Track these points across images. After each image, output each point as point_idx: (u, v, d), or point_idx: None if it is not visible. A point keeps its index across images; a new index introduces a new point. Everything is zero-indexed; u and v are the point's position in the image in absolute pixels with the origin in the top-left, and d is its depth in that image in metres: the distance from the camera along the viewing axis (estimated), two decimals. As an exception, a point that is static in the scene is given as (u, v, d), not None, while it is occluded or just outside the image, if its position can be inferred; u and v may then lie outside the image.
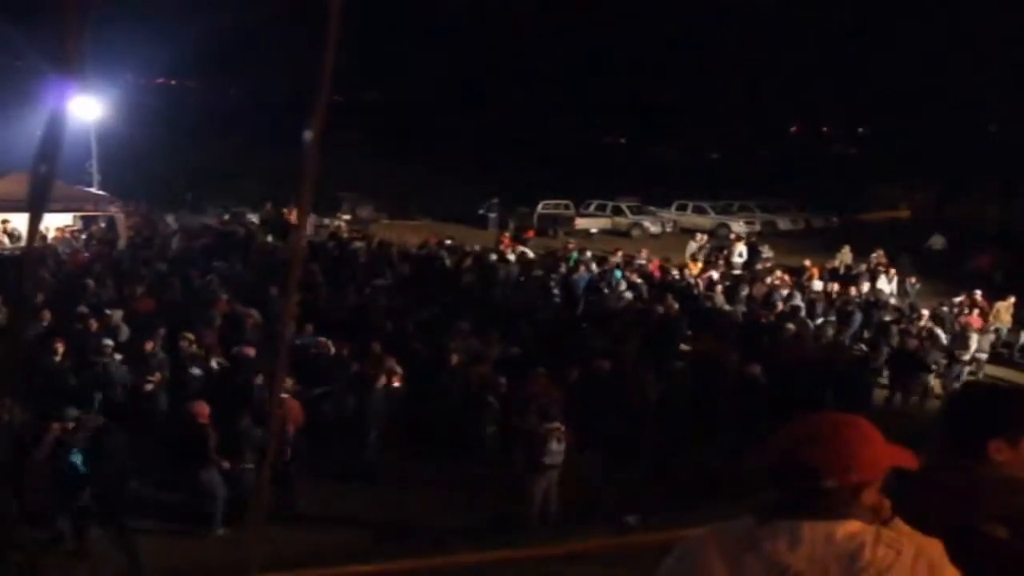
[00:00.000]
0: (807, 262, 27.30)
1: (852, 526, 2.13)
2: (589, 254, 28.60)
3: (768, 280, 25.36)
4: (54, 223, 26.82)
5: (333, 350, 15.41)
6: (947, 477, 2.61)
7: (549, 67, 66.06)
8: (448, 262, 26.03)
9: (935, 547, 2.13)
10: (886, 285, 26.02)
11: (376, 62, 57.05)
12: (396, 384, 14.43)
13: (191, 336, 15.48)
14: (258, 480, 11.70)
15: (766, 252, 31.56)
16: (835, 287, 24.85)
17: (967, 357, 19.99)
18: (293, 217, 33.20)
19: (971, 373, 19.90)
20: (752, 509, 2.23)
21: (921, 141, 60.97)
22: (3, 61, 45.62)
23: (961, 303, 23.20)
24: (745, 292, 23.96)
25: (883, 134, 71.34)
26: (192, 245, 27.22)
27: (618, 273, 25.28)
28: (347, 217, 38.50)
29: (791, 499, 2.19)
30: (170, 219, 33.78)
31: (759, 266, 29.19)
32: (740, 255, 30.46)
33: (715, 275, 26.17)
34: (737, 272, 28.04)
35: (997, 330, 22.59)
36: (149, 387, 14.04)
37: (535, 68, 65.69)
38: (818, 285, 24.84)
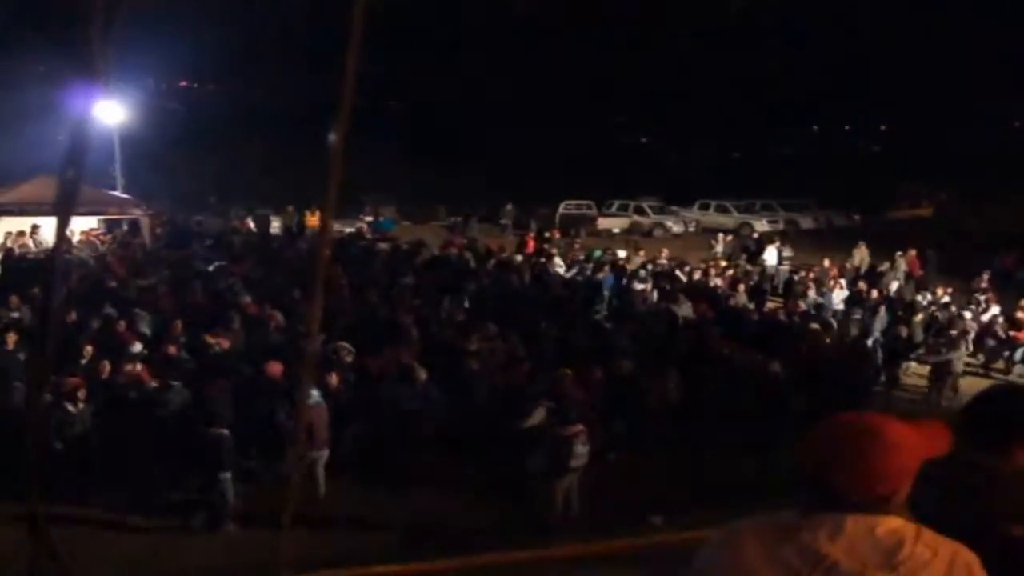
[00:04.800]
0: (827, 262, 27.16)
1: (894, 522, 2.15)
2: (624, 253, 28.63)
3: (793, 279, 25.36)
4: (79, 227, 27.02)
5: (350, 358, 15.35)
6: (966, 475, 2.59)
7: (569, 68, 65.97)
8: (472, 264, 26.06)
9: (970, 554, 2.13)
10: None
11: (397, 65, 57.08)
12: (420, 384, 14.46)
13: (213, 339, 15.60)
14: (289, 480, 11.75)
15: (787, 252, 31.46)
16: (863, 286, 24.69)
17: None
18: (314, 221, 33.42)
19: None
20: (794, 503, 2.23)
21: (945, 138, 60.57)
22: (28, 67, 46.01)
23: (987, 300, 23.10)
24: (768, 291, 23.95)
25: (906, 132, 70.91)
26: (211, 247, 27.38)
27: (643, 272, 25.29)
28: (369, 219, 38.64)
29: (832, 497, 2.19)
30: (194, 221, 34.11)
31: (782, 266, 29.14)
32: (769, 257, 30.18)
33: (727, 274, 26.10)
34: (771, 273, 27.83)
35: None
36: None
37: (555, 69, 65.61)
38: (842, 284, 24.68)
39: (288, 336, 16.25)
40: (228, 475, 12.02)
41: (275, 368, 13.87)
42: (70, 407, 12.49)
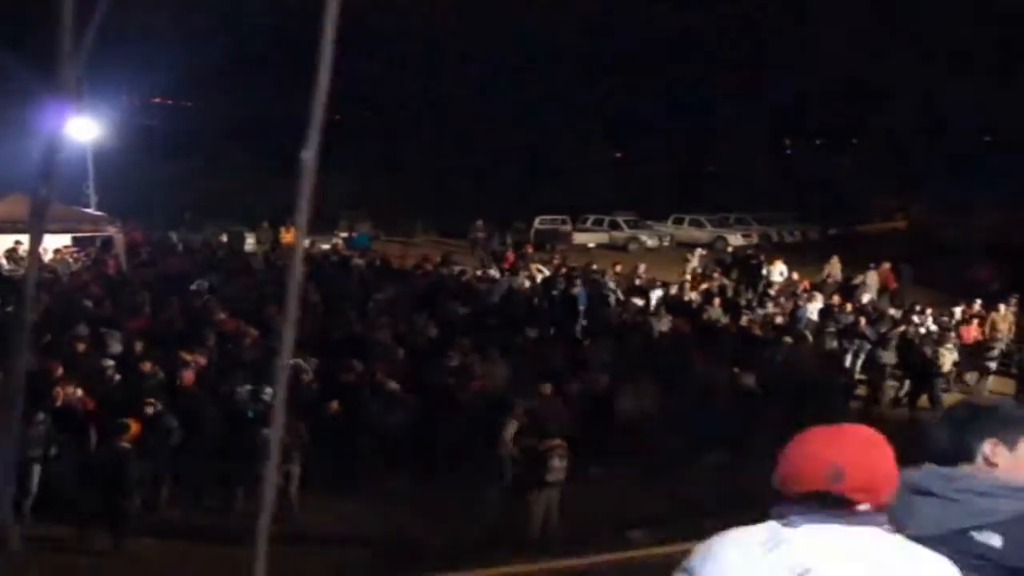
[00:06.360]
0: (795, 275, 27.23)
1: (875, 533, 2.15)
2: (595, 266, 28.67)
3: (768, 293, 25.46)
4: (52, 244, 26.76)
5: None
6: (938, 485, 2.61)
7: (545, 82, 66.08)
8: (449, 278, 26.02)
9: (949, 564, 2.14)
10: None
11: (370, 80, 57.01)
12: (396, 400, 14.44)
13: (187, 356, 15.46)
14: (263, 498, 11.68)
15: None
16: (836, 299, 24.76)
17: (946, 370, 19.96)
18: (288, 237, 33.25)
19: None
20: (774, 514, 2.24)
21: (917, 152, 60.91)
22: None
23: (963, 312, 23.19)
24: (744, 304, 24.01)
25: (877, 145, 71.32)
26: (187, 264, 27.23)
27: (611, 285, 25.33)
28: (344, 235, 38.46)
29: (816, 507, 2.20)
30: (172, 236, 34.06)
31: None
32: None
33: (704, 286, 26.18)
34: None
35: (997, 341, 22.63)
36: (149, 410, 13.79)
37: (531, 83, 65.72)
38: (817, 299, 24.71)
39: (263, 352, 16.15)
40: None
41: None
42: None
